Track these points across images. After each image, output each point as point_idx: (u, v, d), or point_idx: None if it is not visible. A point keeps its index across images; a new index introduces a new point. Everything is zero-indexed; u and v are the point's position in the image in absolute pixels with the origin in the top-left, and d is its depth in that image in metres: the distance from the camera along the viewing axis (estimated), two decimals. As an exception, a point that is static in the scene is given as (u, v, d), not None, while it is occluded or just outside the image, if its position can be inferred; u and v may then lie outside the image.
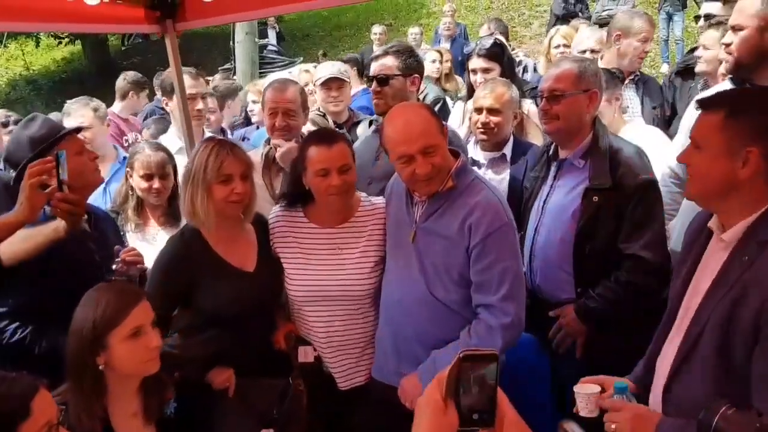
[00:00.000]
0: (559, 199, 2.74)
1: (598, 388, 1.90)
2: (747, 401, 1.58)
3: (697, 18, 4.20)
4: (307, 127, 3.45)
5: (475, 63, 3.89)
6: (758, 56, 2.43)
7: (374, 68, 3.12)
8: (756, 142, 1.67)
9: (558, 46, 4.71)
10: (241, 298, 2.49)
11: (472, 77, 3.91)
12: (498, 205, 2.32)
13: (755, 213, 1.72)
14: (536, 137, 3.63)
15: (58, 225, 2.28)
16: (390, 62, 3.08)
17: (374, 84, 3.08)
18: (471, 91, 3.94)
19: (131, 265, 2.51)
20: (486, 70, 3.82)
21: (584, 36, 4.46)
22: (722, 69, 3.29)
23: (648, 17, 3.97)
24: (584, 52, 4.19)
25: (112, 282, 2.33)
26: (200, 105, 3.86)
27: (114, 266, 2.48)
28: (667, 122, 3.77)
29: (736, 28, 2.44)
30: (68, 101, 4.01)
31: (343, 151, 2.43)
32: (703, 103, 1.81)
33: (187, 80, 3.71)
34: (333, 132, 2.74)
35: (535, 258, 2.79)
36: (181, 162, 2.94)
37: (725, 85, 2.77)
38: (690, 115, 2.89)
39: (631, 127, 3.28)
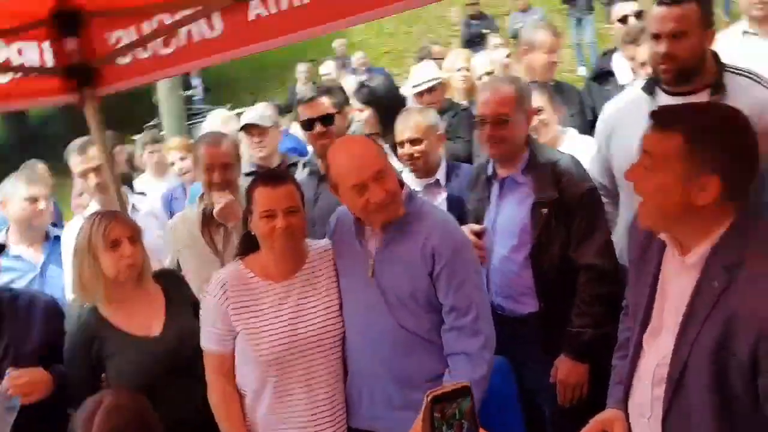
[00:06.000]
0: (508, 217, 2.78)
1: None
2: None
3: (623, 19, 4.36)
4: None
5: (353, 103, 4.11)
6: (701, 61, 2.49)
7: (312, 111, 3.15)
8: (716, 170, 1.62)
9: (460, 69, 4.84)
10: (147, 365, 2.45)
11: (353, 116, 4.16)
12: (453, 224, 2.39)
13: (715, 234, 1.68)
14: None
15: None
16: (326, 102, 3.16)
17: (318, 126, 3.09)
18: None
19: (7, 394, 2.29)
20: (360, 110, 4.09)
21: (478, 62, 4.71)
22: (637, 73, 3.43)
23: (551, 29, 4.09)
24: (480, 78, 4.47)
25: None
26: (94, 180, 3.58)
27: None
28: (589, 128, 3.89)
29: (679, 36, 2.45)
30: (24, 167, 3.83)
31: (289, 192, 2.35)
32: (659, 119, 1.74)
33: (74, 157, 3.61)
34: (280, 173, 2.69)
35: (492, 277, 2.81)
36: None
37: (635, 91, 2.84)
38: (604, 123, 2.96)
39: (569, 137, 3.37)
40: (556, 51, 3.97)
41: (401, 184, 2.40)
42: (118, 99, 3.37)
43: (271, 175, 2.50)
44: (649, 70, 3.31)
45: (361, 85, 4.24)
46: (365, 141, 2.43)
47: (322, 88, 3.31)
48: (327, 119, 3.13)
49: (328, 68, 6.29)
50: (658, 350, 1.82)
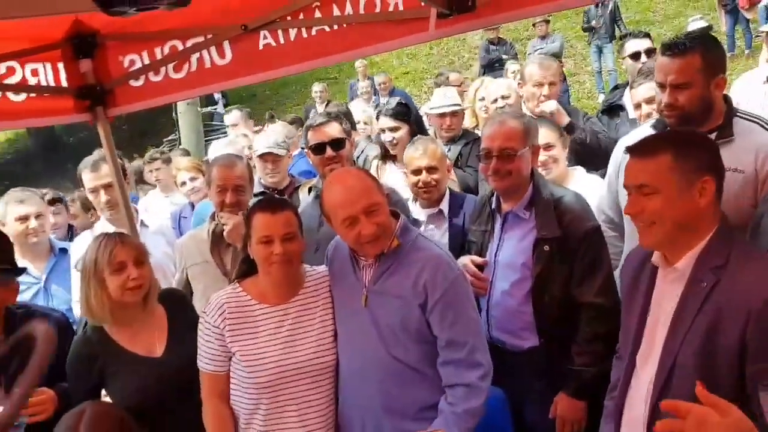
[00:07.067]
0: (510, 252, 2.77)
1: None
2: None
3: (635, 56, 4.37)
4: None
5: (383, 122, 4.12)
6: (708, 107, 2.48)
7: (323, 135, 3.17)
8: (710, 169, 1.83)
9: (483, 99, 4.89)
10: (149, 386, 2.48)
11: (382, 136, 4.14)
12: (446, 258, 2.38)
13: (702, 240, 1.82)
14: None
15: None
16: (336, 127, 3.19)
17: (329, 150, 3.14)
18: (384, 149, 4.21)
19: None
20: (393, 129, 4.05)
21: (493, 87, 4.74)
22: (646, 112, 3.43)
23: (542, 62, 4.06)
24: (496, 100, 4.45)
25: None
26: (104, 197, 3.66)
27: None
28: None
29: (681, 86, 2.44)
30: (13, 190, 3.90)
31: (288, 219, 2.38)
32: (642, 151, 1.88)
33: (86, 174, 3.67)
34: (280, 200, 2.72)
35: (492, 311, 2.80)
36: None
37: (646, 129, 2.83)
38: (614, 159, 2.97)
39: (577, 176, 3.35)
40: (545, 84, 3.90)
41: (396, 215, 2.42)
42: (143, 112, 3.44)
43: (270, 202, 2.54)
44: (642, 110, 3.34)
45: (399, 103, 4.22)
46: (359, 174, 2.43)
47: (332, 114, 3.34)
48: (337, 143, 3.15)
49: (233, 118, 6.30)
50: (651, 368, 1.86)
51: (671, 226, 1.83)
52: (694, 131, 2.04)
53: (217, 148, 4.77)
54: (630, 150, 1.93)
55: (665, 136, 2.07)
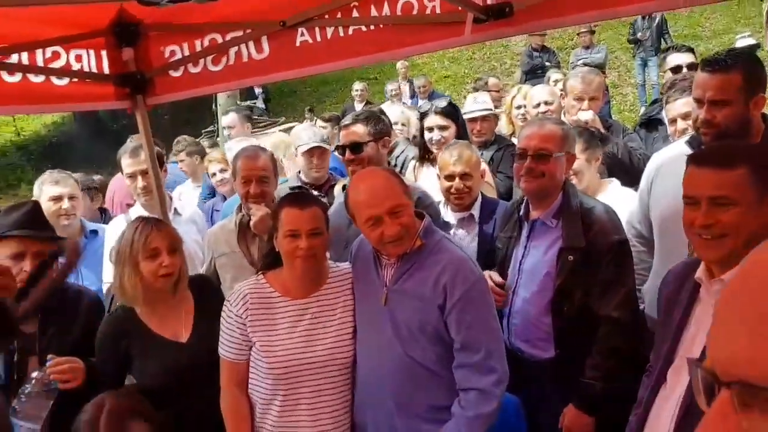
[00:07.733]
0: (535, 260, 2.76)
1: None
2: None
3: (676, 69, 4.29)
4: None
5: (432, 120, 4.07)
6: (746, 126, 2.45)
7: (345, 137, 3.19)
8: None
9: (519, 107, 4.85)
10: (173, 369, 2.53)
11: (428, 135, 4.10)
12: (468, 261, 2.37)
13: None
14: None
15: None
16: (360, 129, 3.18)
17: (348, 152, 3.15)
18: (423, 150, 4.18)
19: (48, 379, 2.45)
20: (442, 128, 4.02)
21: (536, 92, 4.71)
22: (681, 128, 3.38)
23: (585, 77, 4.02)
24: (538, 105, 4.42)
25: None
26: (141, 183, 3.76)
27: (35, 374, 2.44)
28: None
29: (720, 103, 2.41)
30: (49, 172, 4.01)
31: (315, 215, 2.41)
32: (716, 161, 1.85)
33: (125, 159, 3.76)
34: (308, 195, 2.74)
35: (513, 318, 2.80)
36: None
37: (680, 145, 2.81)
38: (648, 172, 2.94)
39: (611, 188, 3.32)
40: (586, 99, 3.89)
41: (421, 215, 2.42)
42: (186, 101, 3.50)
43: (298, 197, 2.56)
44: (678, 126, 3.27)
45: (450, 103, 4.26)
46: (385, 175, 2.43)
47: (362, 115, 3.33)
48: (356, 147, 3.16)
49: (230, 121, 6.30)
50: (682, 383, 1.82)
51: (745, 239, 1.80)
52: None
53: (230, 146, 4.87)
54: (700, 160, 1.88)
55: (739, 147, 2.02)
